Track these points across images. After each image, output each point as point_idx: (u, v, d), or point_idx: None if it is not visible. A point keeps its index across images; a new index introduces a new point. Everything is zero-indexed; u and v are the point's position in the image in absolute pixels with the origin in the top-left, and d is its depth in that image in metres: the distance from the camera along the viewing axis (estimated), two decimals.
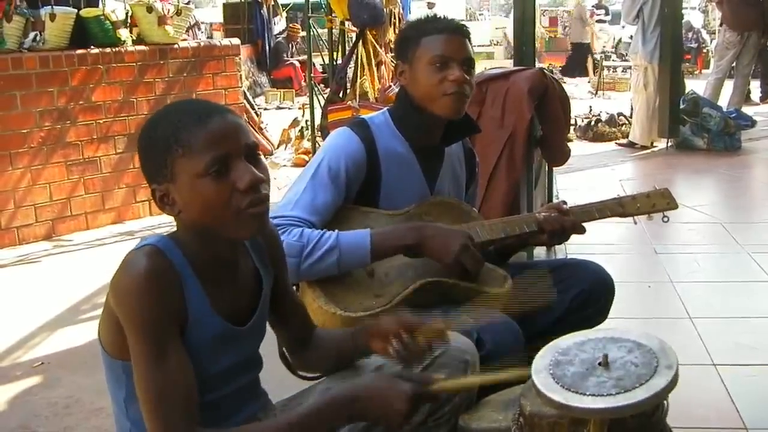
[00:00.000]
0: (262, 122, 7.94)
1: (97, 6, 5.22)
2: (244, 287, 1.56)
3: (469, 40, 2.15)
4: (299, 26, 13.45)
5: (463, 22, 2.24)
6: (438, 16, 2.20)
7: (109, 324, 1.42)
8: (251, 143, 1.42)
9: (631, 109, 7.92)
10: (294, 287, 2.06)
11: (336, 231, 1.96)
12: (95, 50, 5.04)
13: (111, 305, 1.38)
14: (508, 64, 6.60)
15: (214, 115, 1.39)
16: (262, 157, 1.46)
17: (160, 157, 1.39)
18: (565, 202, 2.22)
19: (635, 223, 2.30)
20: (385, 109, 2.24)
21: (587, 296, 2.21)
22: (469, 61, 2.11)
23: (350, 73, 5.17)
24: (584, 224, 2.20)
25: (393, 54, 2.31)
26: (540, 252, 3.99)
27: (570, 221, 2.15)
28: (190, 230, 1.45)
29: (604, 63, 12.86)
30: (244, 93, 6.69)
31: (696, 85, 8.55)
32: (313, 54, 6.49)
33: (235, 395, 1.54)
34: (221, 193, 1.37)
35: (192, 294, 1.42)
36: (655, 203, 2.25)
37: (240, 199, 1.38)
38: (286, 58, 13.16)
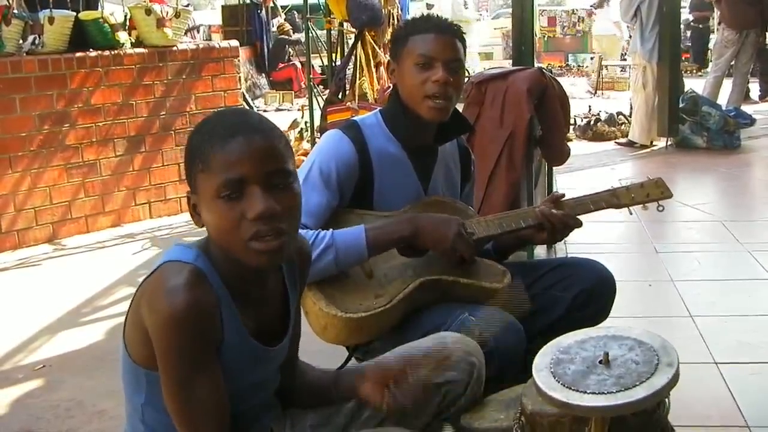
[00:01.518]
0: None
1: (96, 9, 5.23)
2: (271, 304, 1.53)
3: (461, 41, 2.11)
4: (288, 24, 13.45)
5: (456, 22, 2.21)
6: (431, 15, 2.17)
7: (136, 331, 1.37)
8: (277, 170, 1.34)
9: (631, 108, 7.92)
10: None
11: (330, 230, 1.95)
12: (94, 53, 5.04)
13: (143, 318, 1.34)
14: (507, 65, 6.60)
15: (240, 135, 1.32)
16: (295, 185, 1.38)
17: (189, 167, 1.37)
18: (562, 195, 2.21)
19: (630, 213, 2.29)
20: (378, 109, 2.23)
21: (589, 295, 2.20)
22: (455, 63, 2.06)
23: (349, 74, 5.17)
24: (581, 217, 2.18)
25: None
26: (540, 252, 3.99)
27: (569, 217, 2.13)
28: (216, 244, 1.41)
29: (603, 62, 12.84)
30: (243, 95, 6.69)
31: (694, 84, 8.55)
32: (312, 55, 6.49)
33: (251, 410, 1.53)
34: (230, 219, 1.32)
35: (228, 316, 1.39)
36: (649, 193, 2.23)
37: (247, 228, 1.32)
38: (290, 52, 13.12)
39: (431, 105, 2.03)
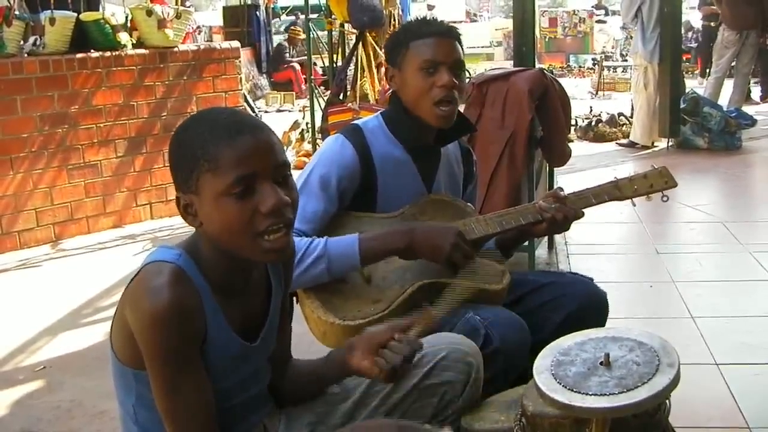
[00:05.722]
0: None
1: (97, 10, 5.23)
2: (255, 297, 1.53)
3: (460, 43, 2.11)
4: (300, 29, 13.47)
5: (456, 24, 2.21)
6: (428, 19, 2.17)
7: (122, 333, 1.39)
8: (281, 164, 1.37)
9: (632, 109, 7.92)
10: (293, 297, 2.06)
11: (325, 238, 1.94)
12: (95, 54, 5.05)
13: (127, 320, 1.35)
14: (508, 65, 6.60)
15: (246, 132, 1.34)
16: (292, 178, 1.42)
17: (187, 168, 1.36)
18: (561, 189, 2.17)
19: (634, 204, 2.24)
20: (379, 112, 2.22)
21: (576, 320, 2.05)
22: (458, 64, 2.07)
23: (350, 75, 5.17)
24: (583, 210, 2.14)
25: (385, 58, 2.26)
26: (542, 252, 3.99)
27: (569, 209, 2.10)
28: (210, 242, 1.41)
29: (604, 63, 12.83)
30: (245, 96, 6.69)
31: (695, 85, 8.55)
32: (313, 56, 6.50)
33: (243, 405, 1.53)
34: (242, 215, 1.33)
35: (210, 314, 1.40)
36: (653, 183, 2.19)
37: (261, 222, 1.34)
38: (288, 59, 13.17)
39: (438, 113, 2.04)
